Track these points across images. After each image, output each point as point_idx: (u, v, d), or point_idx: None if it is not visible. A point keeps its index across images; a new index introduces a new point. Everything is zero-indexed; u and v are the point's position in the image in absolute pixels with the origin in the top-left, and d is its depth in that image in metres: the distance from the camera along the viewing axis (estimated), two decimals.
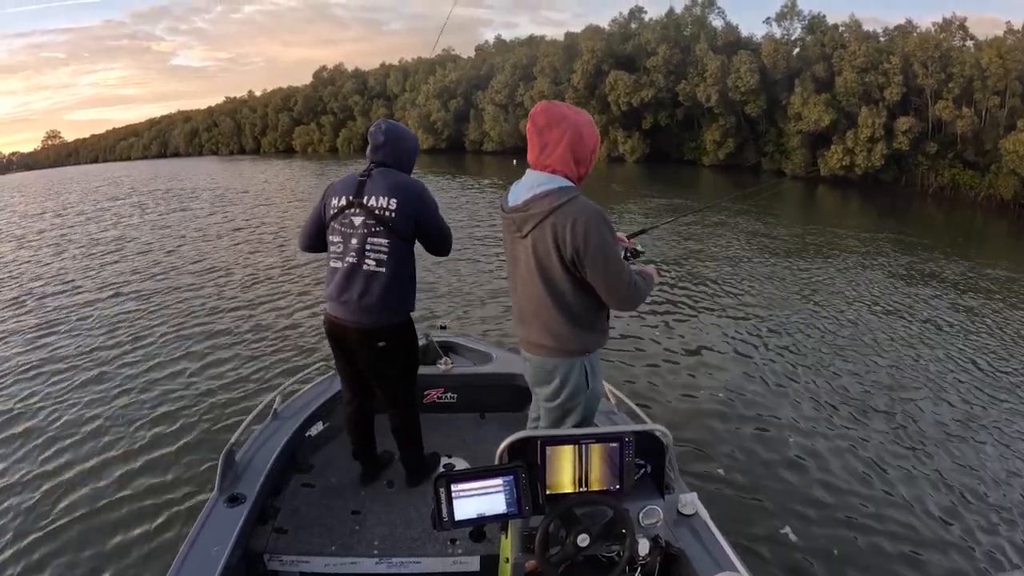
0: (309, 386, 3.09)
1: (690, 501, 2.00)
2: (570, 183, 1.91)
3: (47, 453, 4.16)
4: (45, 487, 3.76)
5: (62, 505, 3.57)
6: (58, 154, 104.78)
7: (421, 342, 3.61)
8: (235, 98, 72.72)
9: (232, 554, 1.86)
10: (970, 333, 6.97)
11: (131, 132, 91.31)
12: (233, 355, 5.90)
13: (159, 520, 3.38)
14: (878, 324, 7.10)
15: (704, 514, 1.99)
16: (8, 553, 3.18)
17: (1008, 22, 22.75)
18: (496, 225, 11.54)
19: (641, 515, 1.82)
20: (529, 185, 1.93)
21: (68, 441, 4.31)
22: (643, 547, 1.79)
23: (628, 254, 2.30)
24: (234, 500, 2.12)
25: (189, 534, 1.95)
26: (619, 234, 2.27)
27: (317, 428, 2.85)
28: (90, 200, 22.07)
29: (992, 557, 3.22)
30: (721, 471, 3.88)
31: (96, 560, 3.11)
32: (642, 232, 2.58)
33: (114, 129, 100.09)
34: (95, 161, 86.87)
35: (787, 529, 3.35)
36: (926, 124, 24.32)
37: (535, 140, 1.92)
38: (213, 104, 76.55)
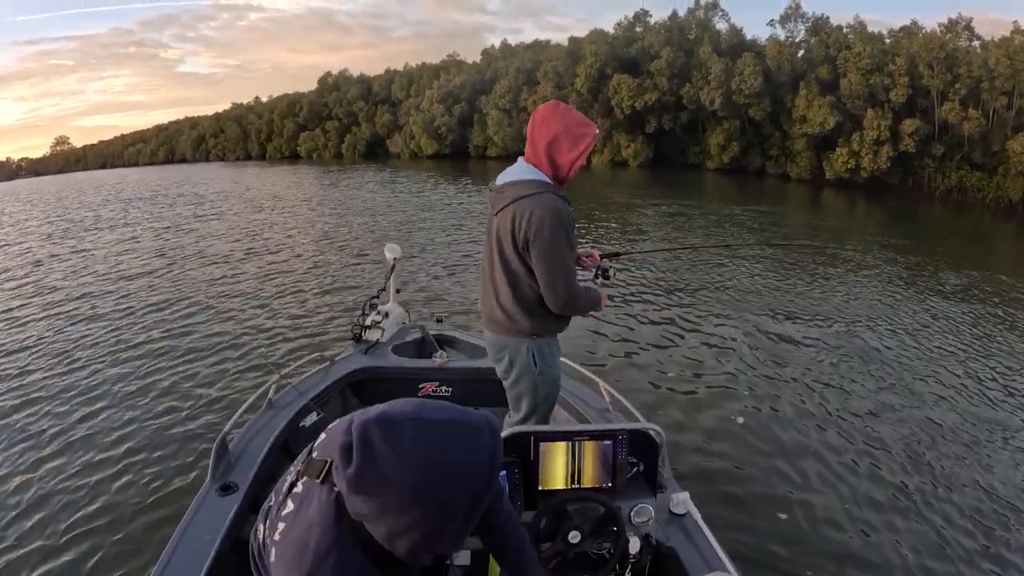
0: (303, 376, 3.07)
1: (682, 500, 1.99)
2: (546, 179, 2.02)
3: (39, 442, 4.19)
4: (37, 475, 3.78)
5: (54, 494, 3.59)
6: (66, 160, 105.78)
7: (417, 335, 3.64)
8: (241, 104, 73.30)
9: (223, 543, 1.86)
10: (980, 339, 6.90)
11: (139, 138, 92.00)
12: (228, 345, 5.95)
13: (151, 508, 3.40)
14: (881, 328, 7.03)
15: (696, 514, 1.97)
16: (0, 540, 3.21)
17: (1015, 22, 22.62)
18: None
19: (633, 513, 1.82)
20: (513, 171, 2.08)
21: (61, 430, 4.34)
22: (634, 545, 1.79)
23: (598, 272, 2.39)
24: (226, 489, 2.11)
25: (181, 522, 1.95)
26: (592, 251, 2.41)
27: (311, 418, 2.84)
28: (90, 204, 22.24)
29: (994, 567, 3.19)
30: (714, 471, 3.85)
31: (88, 548, 3.11)
32: (616, 255, 2.63)
33: (122, 135, 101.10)
34: (103, 167, 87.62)
35: (779, 530, 3.32)
36: (932, 126, 24.21)
37: (528, 132, 2.05)
38: (220, 110, 77.28)
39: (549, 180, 2.02)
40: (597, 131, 2.04)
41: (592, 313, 2.23)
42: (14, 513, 3.43)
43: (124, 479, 3.70)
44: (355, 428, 0.82)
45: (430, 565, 0.96)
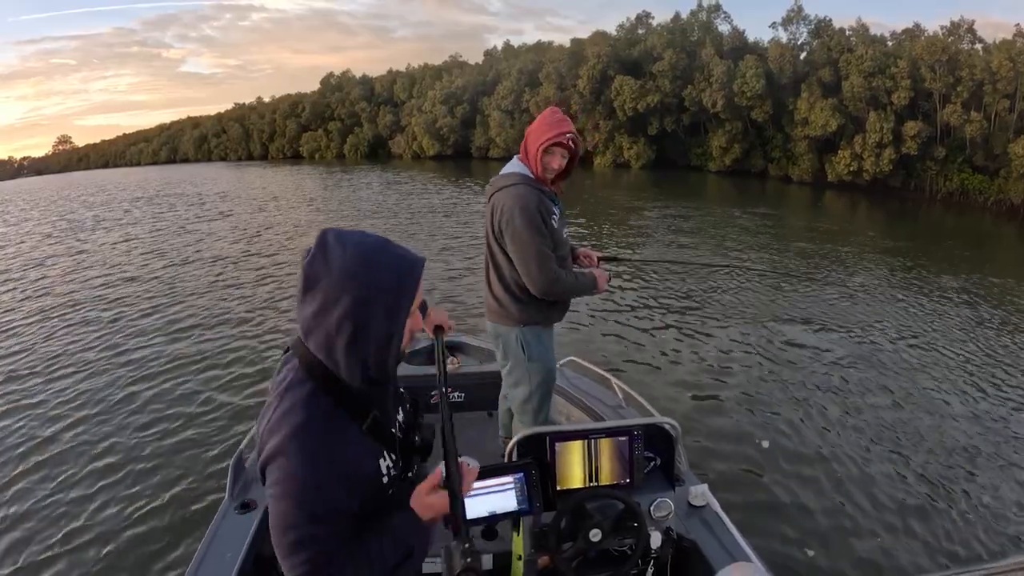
0: None
1: (701, 492, 2.00)
2: (526, 172, 2.15)
3: (60, 463, 4.19)
4: (60, 496, 3.80)
5: (77, 514, 3.60)
6: (68, 159, 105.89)
7: (426, 342, 3.63)
8: (244, 104, 73.28)
9: (245, 560, 1.87)
10: (982, 341, 6.92)
11: (141, 138, 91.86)
12: (243, 361, 5.94)
13: (172, 527, 3.42)
14: (884, 329, 7.06)
15: (715, 505, 1.99)
16: (27, 562, 3.22)
17: (1018, 25, 22.58)
18: None
19: (652, 508, 1.83)
20: (505, 167, 2.24)
21: (82, 451, 4.35)
22: (655, 540, 1.79)
23: None
24: (245, 507, 2.12)
25: (202, 541, 1.97)
26: (590, 251, 2.48)
27: None
28: (90, 206, 22.25)
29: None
30: (731, 462, 3.90)
31: (112, 567, 3.13)
32: (614, 259, 2.72)
33: (124, 135, 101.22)
34: (105, 166, 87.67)
35: (798, 518, 3.37)
36: (935, 128, 24.15)
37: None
38: (222, 110, 77.26)
39: (529, 174, 2.14)
40: (570, 131, 2.10)
41: (592, 291, 2.29)
42: (37, 532, 3.45)
43: (144, 500, 3.72)
44: (317, 235, 1.03)
45: (372, 388, 1.09)
